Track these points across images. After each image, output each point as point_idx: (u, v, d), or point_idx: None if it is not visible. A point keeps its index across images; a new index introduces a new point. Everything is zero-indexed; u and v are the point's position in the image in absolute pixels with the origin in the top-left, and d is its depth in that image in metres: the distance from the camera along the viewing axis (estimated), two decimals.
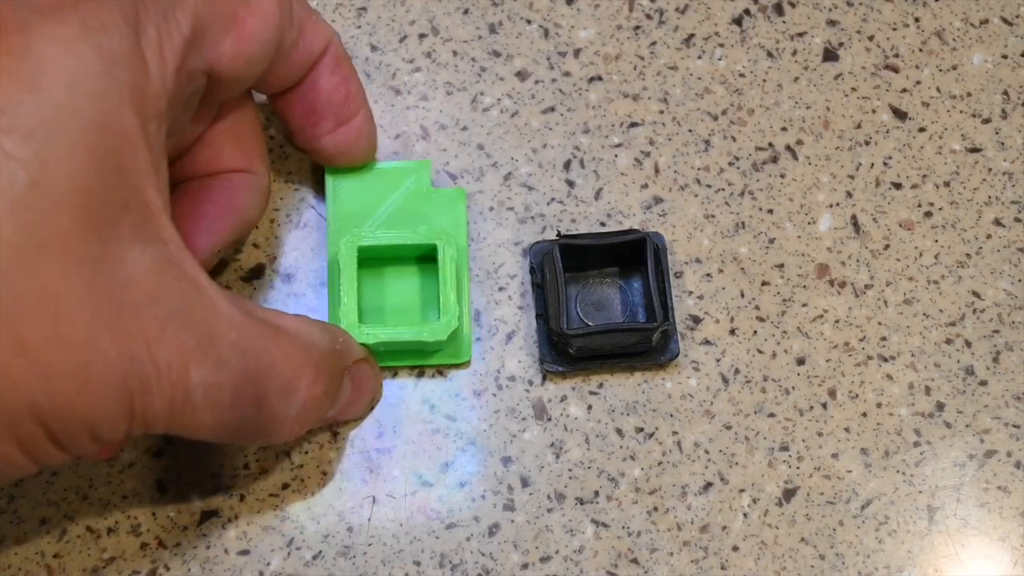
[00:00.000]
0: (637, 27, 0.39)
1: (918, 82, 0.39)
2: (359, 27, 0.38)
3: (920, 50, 0.39)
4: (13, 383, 0.23)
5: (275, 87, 0.32)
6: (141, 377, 0.25)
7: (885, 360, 0.36)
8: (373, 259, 0.34)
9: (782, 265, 0.37)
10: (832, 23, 0.39)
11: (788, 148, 0.38)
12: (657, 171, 0.37)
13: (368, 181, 0.35)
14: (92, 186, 0.24)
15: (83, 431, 0.25)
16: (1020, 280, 0.37)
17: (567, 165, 0.37)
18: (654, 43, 0.39)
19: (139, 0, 0.26)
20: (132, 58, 0.25)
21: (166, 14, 0.27)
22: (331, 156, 0.34)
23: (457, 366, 0.35)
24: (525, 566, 0.33)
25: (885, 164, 0.38)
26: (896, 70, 0.39)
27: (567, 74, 0.38)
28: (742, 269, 0.37)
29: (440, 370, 0.35)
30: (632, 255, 0.35)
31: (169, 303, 0.25)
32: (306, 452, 0.34)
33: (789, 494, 0.35)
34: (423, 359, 0.35)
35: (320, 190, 0.37)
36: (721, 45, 0.39)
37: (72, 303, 0.24)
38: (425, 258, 0.35)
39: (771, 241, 0.37)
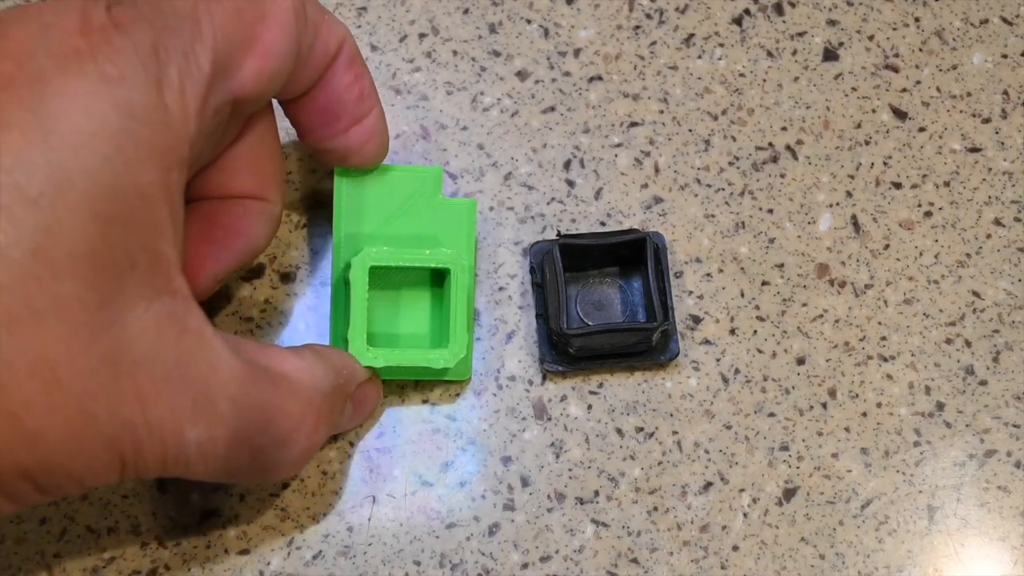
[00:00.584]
0: (637, 27, 0.39)
1: (918, 82, 0.39)
2: (359, 27, 0.38)
3: (920, 50, 0.39)
4: (1, 449, 0.23)
5: (294, 92, 0.31)
6: (133, 439, 0.25)
7: (885, 360, 0.36)
8: (382, 274, 0.34)
9: (782, 265, 0.37)
10: (832, 23, 0.39)
11: (788, 148, 0.38)
12: (657, 171, 0.37)
13: (377, 185, 0.34)
14: (98, 250, 0.23)
15: (70, 484, 0.25)
16: (1020, 280, 0.37)
17: (567, 165, 0.37)
18: (654, 43, 0.39)
19: (158, 41, 0.25)
20: (152, 109, 0.24)
21: (186, 52, 0.25)
22: (343, 156, 0.33)
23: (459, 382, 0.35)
24: (525, 566, 0.33)
25: (885, 164, 0.38)
26: (896, 70, 0.39)
27: (567, 74, 0.38)
28: (742, 269, 0.37)
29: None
30: (632, 255, 0.35)
31: (167, 362, 0.25)
32: None
33: (789, 494, 0.35)
34: (425, 375, 0.34)
35: (321, 190, 0.37)
36: (721, 45, 0.39)
37: (67, 371, 0.23)
38: (435, 272, 0.35)
39: (771, 241, 0.37)
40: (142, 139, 0.24)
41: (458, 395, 0.35)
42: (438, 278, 0.35)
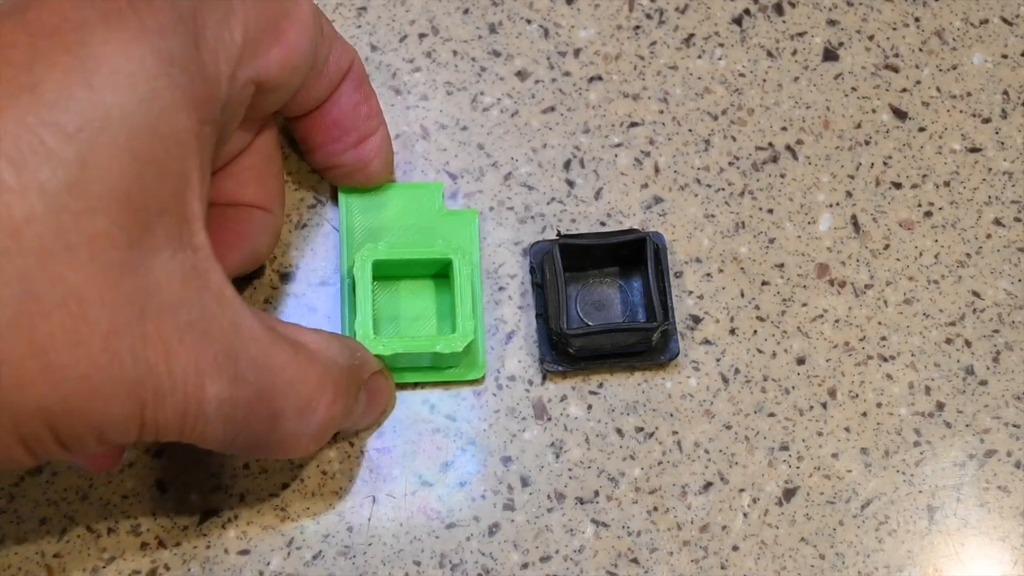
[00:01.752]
0: (637, 27, 0.39)
1: (918, 82, 0.39)
2: (359, 27, 0.38)
3: (920, 50, 0.39)
4: (24, 384, 0.23)
5: (307, 105, 0.32)
6: (155, 387, 0.25)
7: (885, 360, 0.36)
8: (388, 274, 0.35)
9: (782, 265, 0.37)
10: (832, 23, 0.39)
11: (788, 148, 0.38)
12: (657, 171, 0.37)
13: (381, 203, 0.35)
14: (131, 190, 0.24)
15: (90, 435, 0.25)
16: (1020, 280, 0.37)
17: (567, 165, 0.37)
18: (654, 43, 0.39)
19: (197, 6, 0.26)
20: (190, 61, 0.25)
21: (220, 22, 0.27)
22: (350, 172, 0.34)
23: (472, 382, 0.35)
24: (525, 566, 0.33)
25: (885, 164, 0.38)
26: (896, 70, 0.39)
27: (567, 74, 0.38)
28: (742, 269, 0.37)
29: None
30: (632, 255, 0.35)
31: (191, 313, 0.25)
32: None
33: (789, 494, 0.35)
34: (438, 375, 0.34)
35: (321, 190, 0.37)
36: (721, 45, 0.39)
37: (94, 307, 0.23)
38: (440, 275, 0.35)
39: (771, 241, 0.37)
40: (179, 85, 0.25)
41: (458, 395, 0.35)
42: (444, 281, 0.35)
